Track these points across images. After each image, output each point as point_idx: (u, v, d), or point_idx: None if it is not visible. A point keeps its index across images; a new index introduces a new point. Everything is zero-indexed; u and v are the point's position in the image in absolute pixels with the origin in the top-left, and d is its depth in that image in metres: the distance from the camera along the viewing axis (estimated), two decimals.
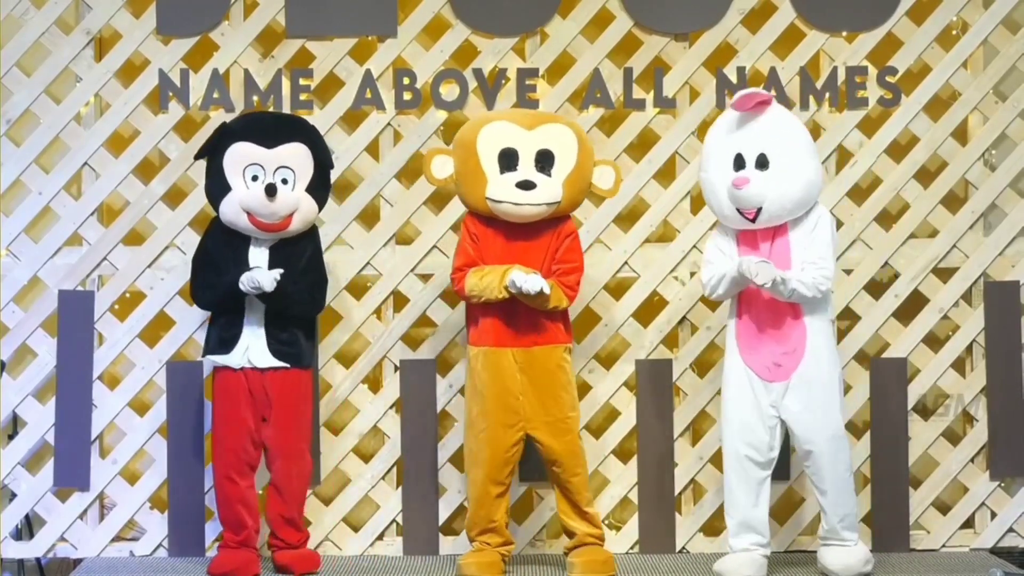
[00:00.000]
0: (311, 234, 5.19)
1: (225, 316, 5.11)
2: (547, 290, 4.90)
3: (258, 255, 5.11)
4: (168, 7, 5.57)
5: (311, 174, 5.08)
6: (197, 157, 5.16)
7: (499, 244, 5.05)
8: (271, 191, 4.97)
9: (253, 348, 5.09)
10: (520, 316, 5.02)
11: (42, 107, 5.59)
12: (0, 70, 5.57)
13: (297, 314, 5.13)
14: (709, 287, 4.97)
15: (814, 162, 4.92)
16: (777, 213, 4.85)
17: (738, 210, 4.85)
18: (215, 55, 5.60)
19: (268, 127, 5.11)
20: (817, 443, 4.89)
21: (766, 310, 4.91)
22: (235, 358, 5.09)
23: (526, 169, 4.99)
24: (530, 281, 4.89)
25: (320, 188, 5.12)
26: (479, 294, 4.98)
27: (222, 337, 5.10)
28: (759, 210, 4.82)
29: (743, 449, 4.93)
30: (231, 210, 5.03)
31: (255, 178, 5.03)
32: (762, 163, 4.84)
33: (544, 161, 5.00)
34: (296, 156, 5.07)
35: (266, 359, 5.10)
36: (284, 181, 5.03)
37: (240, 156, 5.03)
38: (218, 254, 5.11)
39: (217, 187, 5.06)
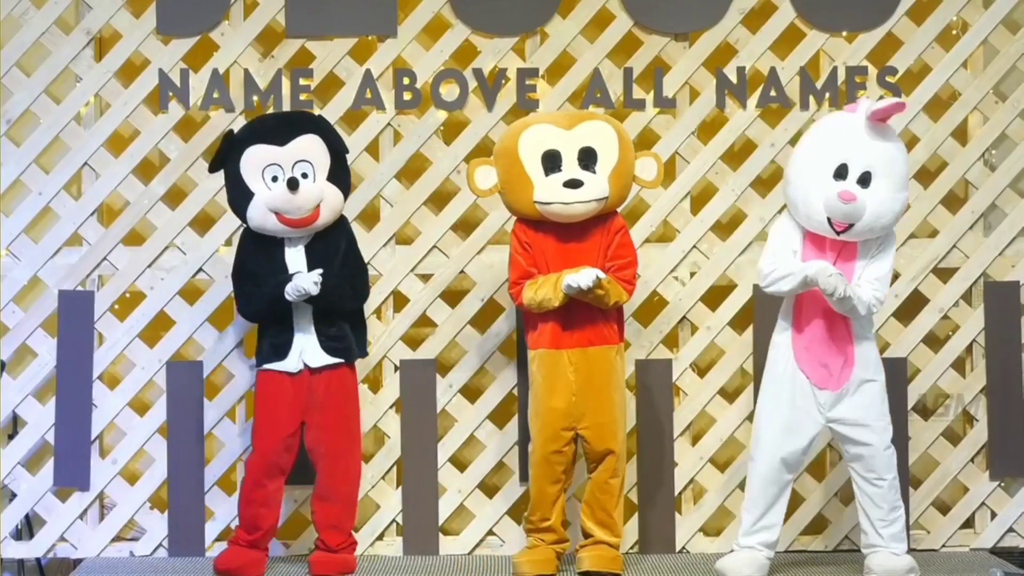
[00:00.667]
0: (342, 225, 5.16)
1: (274, 321, 5.09)
2: (601, 275, 4.90)
3: (294, 256, 5.09)
4: (168, 7, 5.57)
5: (328, 163, 5.07)
6: (212, 170, 5.14)
7: (551, 247, 5.05)
8: (293, 185, 4.96)
9: (307, 349, 5.09)
10: (576, 318, 5.01)
11: (42, 107, 5.59)
12: (0, 70, 5.57)
13: (345, 309, 5.12)
14: (768, 279, 4.89)
15: (906, 193, 4.87)
16: (865, 232, 4.81)
17: (828, 219, 4.80)
18: (215, 55, 5.60)
19: (276, 125, 5.10)
20: (872, 451, 4.88)
21: (823, 316, 4.87)
22: (291, 363, 5.08)
23: (571, 168, 4.98)
24: (582, 276, 4.89)
25: (341, 175, 5.11)
26: (538, 306, 4.99)
27: (274, 344, 5.09)
28: (851, 225, 4.79)
29: (780, 452, 4.90)
30: (258, 214, 5.02)
31: (275, 178, 5.01)
32: (864, 180, 4.78)
33: (587, 159, 5.00)
34: (311, 148, 5.05)
35: (320, 358, 5.09)
36: (304, 175, 5.02)
37: (256, 159, 5.02)
38: (254, 264, 5.10)
39: (239, 195, 5.04)
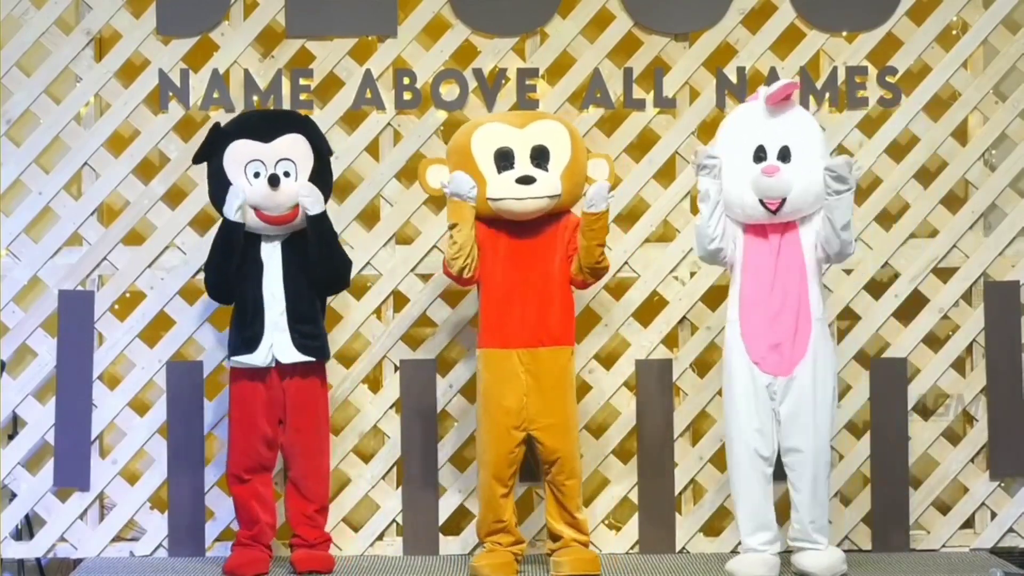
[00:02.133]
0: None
1: (246, 314, 5.08)
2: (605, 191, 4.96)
3: (269, 251, 5.11)
4: (168, 7, 5.57)
5: (312, 163, 5.08)
6: (195, 161, 5.16)
7: (504, 245, 5.06)
8: (274, 181, 4.97)
9: (277, 344, 5.09)
10: (525, 317, 5.02)
11: (42, 107, 5.59)
12: (0, 70, 5.57)
13: (336, 272, 5.12)
14: (699, 243, 4.93)
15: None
16: (799, 205, 4.85)
17: (761, 201, 4.84)
18: (215, 55, 5.60)
19: (262, 122, 5.11)
20: (805, 443, 4.89)
21: (770, 302, 4.90)
22: (260, 356, 5.08)
23: (523, 166, 5.01)
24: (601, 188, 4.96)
25: (323, 177, 5.12)
26: (453, 250, 4.95)
27: (244, 337, 5.10)
28: (783, 201, 4.83)
29: (752, 443, 4.91)
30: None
31: (257, 174, 5.03)
32: (784, 156, 4.85)
33: (540, 157, 5.02)
34: (295, 147, 5.07)
35: (291, 354, 5.09)
36: (287, 174, 5.03)
37: (239, 154, 5.03)
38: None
39: (220, 189, 5.06)
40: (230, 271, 5.08)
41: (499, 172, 5.01)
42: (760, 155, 4.87)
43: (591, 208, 4.97)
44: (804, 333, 4.90)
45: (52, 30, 5.58)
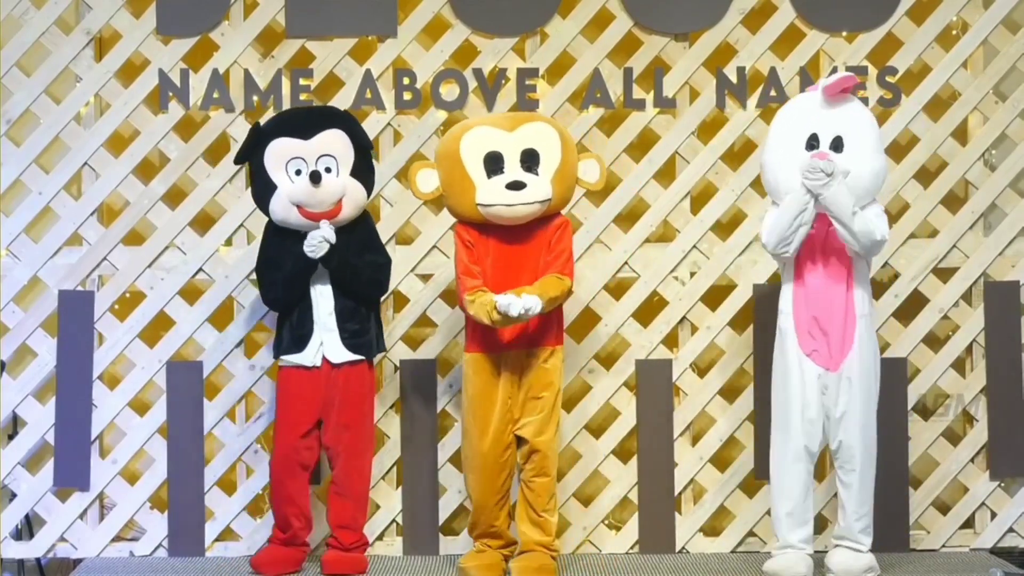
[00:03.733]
0: (364, 219, 5.17)
1: (296, 311, 5.09)
2: (536, 308, 4.86)
3: None
4: (168, 7, 5.57)
5: (353, 159, 5.08)
6: (237, 162, 5.15)
7: (494, 249, 5.05)
8: (315, 178, 4.96)
9: (327, 344, 5.09)
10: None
11: (42, 107, 5.59)
12: (0, 70, 5.57)
13: (365, 291, 5.13)
14: (768, 237, 4.89)
15: (882, 156, 4.94)
16: None
17: (809, 189, 4.83)
18: (215, 55, 5.60)
19: (302, 119, 5.12)
20: (856, 439, 4.89)
21: (819, 297, 4.89)
22: (309, 356, 5.09)
23: (513, 170, 4.99)
24: (512, 305, 4.84)
25: (365, 171, 5.12)
26: (473, 315, 4.98)
27: (295, 336, 5.10)
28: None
29: (803, 438, 4.91)
30: (280, 207, 5.02)
31: (298, 172, 5.01)
32: (837, 146, 4.84)
33: (530, 160, 5.00)
34: (335, 143, 5.06)
35: (340, 354, 5.09)
36: (328, 170, 5.02)
37: (280, 152, 5.02)
38: (276, 253, 5.10)
39: (263, 188, 5.05)
40: (297, 292, 5.08)
41: (489, 177, 4.98)
42: (812, 143, 4.86)
43: (503, 310, 4.85)
44: (850, 329, 4.90)
45: (52, 30, 5.58)
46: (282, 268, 5.07)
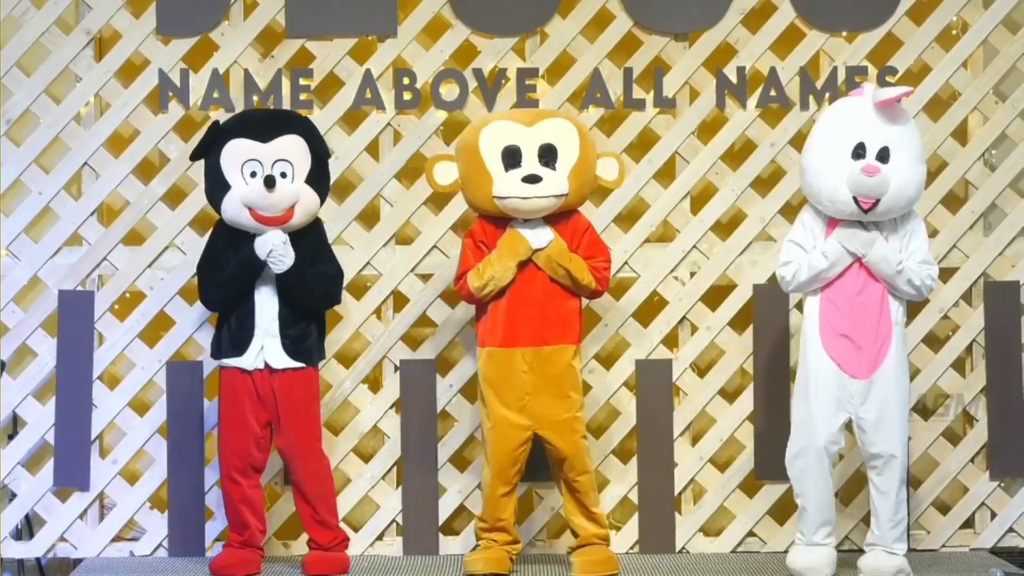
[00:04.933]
0: (315, 227, 5.16)
1: (236, 315, 5.07)
2: (545, 241, 5.00)
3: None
4: (168, 7, 5.57)
5: (309, 166, 5.07)
6: (193, 158, 5.15)
7: None
8: (270, 183, 4.96)
9: (268, 348, 5.08)
10: (530, 316, 5.02)
11: (42, 107, 5.59)
12: (0, 70, 5.57)
13: (316, 304, 5.12)
14: (792, 282, 4.91)
15: (924, 166, 4.91)
16: (891, 207, 4.82)
17: (855, 199, 4.81)
18: (215, 55, 5.60)
19: (262, 122, 5.10)
20: (893, 447, 4.87)
21: (853, 304, 4.88)
22: (248, 360, 5.08)
23: (530, 164, 4.99)
24: (538, 238, 4.99)
25: (320, 180, 5.11)
26: (484, 287, 4.98)
27: (234, 339, 5.08)
28: (877, 201, 4.80)
29: (822, 441, 4.90)
30: (232, 207, 5.02)
31: (253, 174, 5.01)
32: (883, 155, 4.81)
33: (547, 155, 5.01)
34: (293, 148, 5.05)
35: (281, 360, 5.08)
36: (283, 175, 5.02)
37: (237, 153, 5.02)
38: (221, 254, 5.09)
39: (216, 186, 5.05)
40: (238, 295, 5.07)
41: (506, 170, 5.00)
42: (859, 152, 4.82)
43: (536, 246, 5.03)
44: (886, 336, 4.88)
45: (52, 30, 5.58)
46: (225, 269, 5.05)
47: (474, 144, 5.02)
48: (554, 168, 5.01)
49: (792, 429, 4.99)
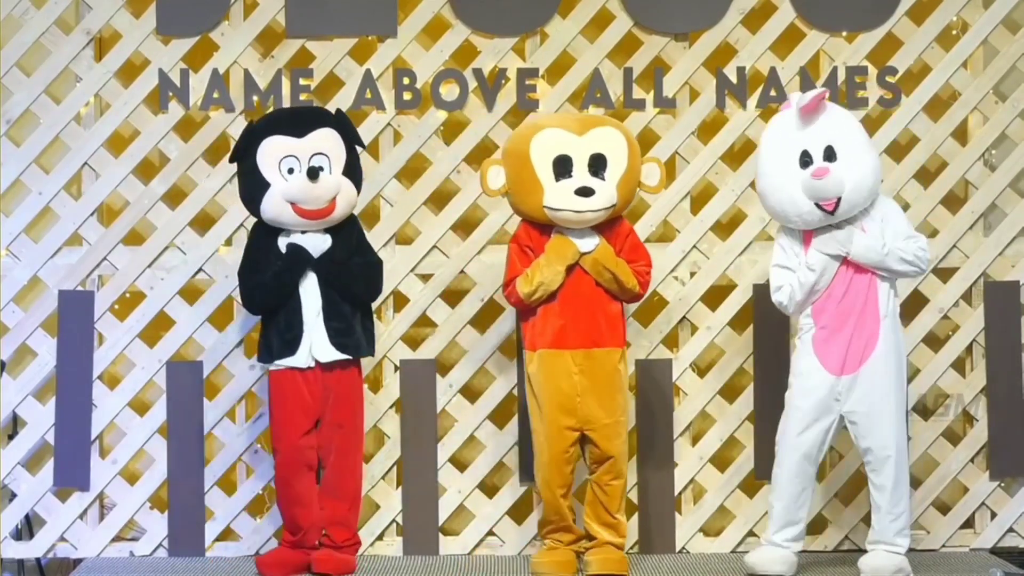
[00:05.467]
0: (352, 221, 5.17)
1: (283, 315, 5.06)
2: (591, 246, 5.00)
3: None
4: (168, 7, 5.57)
5: (345, 157, 5.08)
6: (232, 160, 5.14)
7: None
8: (313, 174, 4.95)
9: (316, 343, 5.08)
10: (579, 319, 5.02)
11: (42, 107, 5.59)
12: (0, 70, 5.57)
13: (359, 292, 5.11)
14: (790, 304, 4.94)
15: (875, 151, 4.95)
16: (855, 201, 4.84)
17: (817, 205, 4.83)
18: (215, 55, 5.60)
19: (295, 118, 5.12)
20: (885, 441, 4.88)
21: (840, 302, 4.89)
22: (301, 358, 5.07)
23: (581, 175, 4.97)
24: (585, 242, 4.99)
25: (355, 171, 5.12)
26: (535, 293, 4.99)
27: (285, 339, 5.08)
28: (839, 200, 4.81)
29: (805, 446, 4.91)
30: (273, 205, 5.00)
31: (291, 170, 5.00)
32: (830, 155, 4.84)
33: (597, 165, 4.99)
34: (328, 140, 5.06)
35: (329, 353, 5.08)
36: (321, 168, 5.02)
37: (274, 150, 5.01)
38: (260, 256, 5.09)
39: (255, 187, 5.03)
40: (284, 295, 5.06)
41: (557, 180, 4.97)
42: (806, 159, 4.85)
43: (584, 250, 5.02)
44: (873, 331, 4.89)
45: (52, 30, 5.58)
46: (265, 272, 5.06)
47: (524, 152, 4.99)
48: (603, 178, 4.98)
49: (781, 424, 5.01)
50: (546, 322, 5.04)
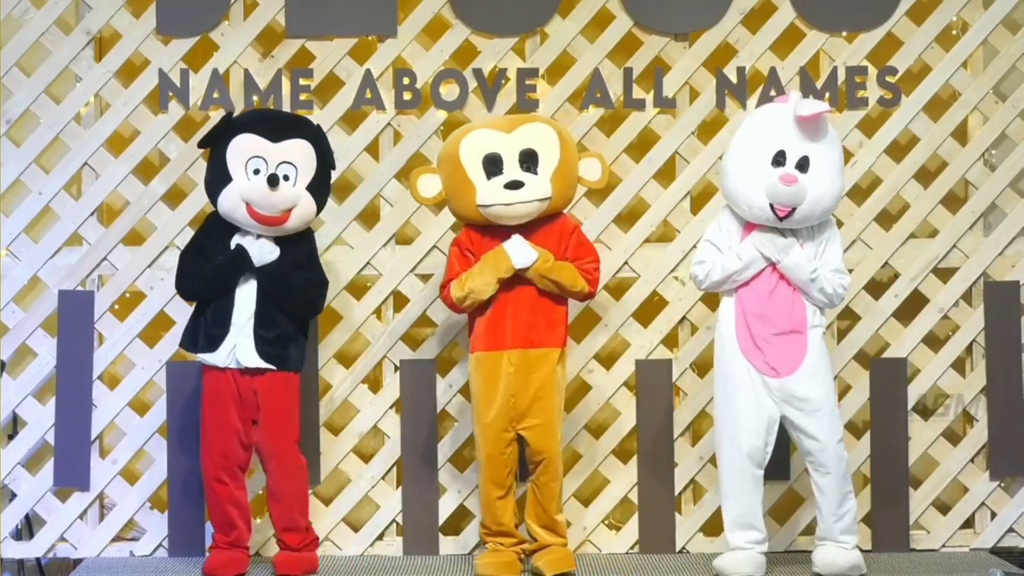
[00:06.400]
0: (307, 235, 5.17)
1: (213, 309, 5.05)
2: (528, 260, 4.97)
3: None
4: (168, 7, 5.57)
5: (313, 173, 5.08)
6: (201, 145, 5.14)
7: None
8: (273, 182, 4.96)
9: (240, 347, 5.05)
10: (517, 320, 5.04)
11: (42, 107, 5.59)
12: (0, 70, 5.57)
13: (296, 308, 5.10)
14: (705, 281, 4.98)
15: (843, 178, 4.95)
16: (807, 216, 4.86)
17: (771, 205, 4.84)
18: (215, 55, 5.60)
19: (274, 122, 5.11)
20: (822, 442, 4.90)
21: (767, 305, 4.91)
22: (220, 357, 5.06)
23: (512, 171, 5.01)
24: (520, 256, 4.99)
25: (321, 189, 5.11)
26: (466, 299, 5.00)
27: (209, 334, 5.07)
28: (793, 210, 4.83)
29: (744, 447, 4.93)
30: (230, 201, 5.01)
31: (257, 171, 5.01)
32: (803, 165, 4.85)
33: (528, 160, 5.02)
34: (300, 152, 5.06)
35: (252, 359, 5.06)
36: (286, 177, 5.02)
37: (244, 148, 5.02)
38: (209, 245, 5.09)
39: (217, 178, 5.04)
40: (217, 290, 5.05)
41: (488, 178, 5.01)
42: (779, 160, 4.86)
43: (519, 266, 5.01)
44: (799, 336, 4.91)
45: (52, 30, 5.58)
46: (210, 261, 5.04)
47: (455, 154, 5.03)
48: (536, 173, 5.01)
49: (717, 435, 5.01)
50: (486, 325, 5.06)
